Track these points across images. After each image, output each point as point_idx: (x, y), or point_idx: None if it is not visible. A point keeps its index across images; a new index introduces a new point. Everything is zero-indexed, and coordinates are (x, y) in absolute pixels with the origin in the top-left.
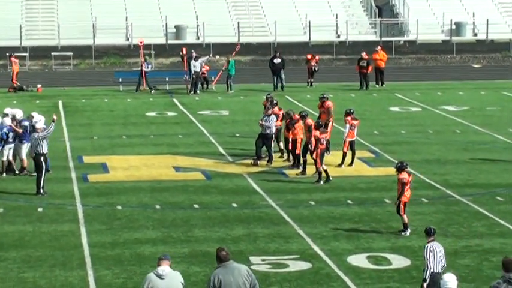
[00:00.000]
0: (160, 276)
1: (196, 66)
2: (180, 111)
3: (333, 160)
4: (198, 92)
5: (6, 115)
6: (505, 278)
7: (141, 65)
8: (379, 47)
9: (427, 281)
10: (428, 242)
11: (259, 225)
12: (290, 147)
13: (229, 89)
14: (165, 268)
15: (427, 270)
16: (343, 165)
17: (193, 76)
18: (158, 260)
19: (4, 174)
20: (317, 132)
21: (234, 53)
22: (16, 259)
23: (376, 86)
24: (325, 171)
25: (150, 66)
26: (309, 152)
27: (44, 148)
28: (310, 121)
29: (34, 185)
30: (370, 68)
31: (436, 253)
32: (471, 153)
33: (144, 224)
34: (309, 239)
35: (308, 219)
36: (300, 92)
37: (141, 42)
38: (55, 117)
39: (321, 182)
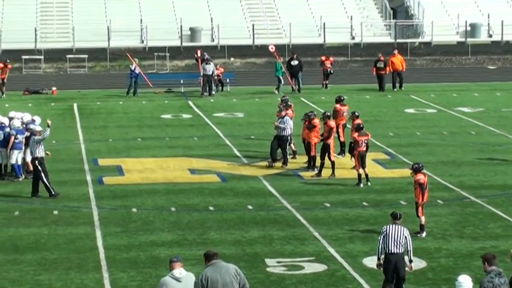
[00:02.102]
0: (177, 279)
1: (206, 69)
2: (195, 114)
3: (349, 162)
4: (213, 93)
5: (12, 118)
6: (494, 272)
7: (134, 68)
8: (396, 51)
9: (380, 259)
10: (392, 224)
11: (275, 228)
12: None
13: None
14: (181, 271)
15: (377, 250)
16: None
17: (202, 79)
18: (170, 262)
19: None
20: (355, 134)
21: (278, 56)
22: (32, 262)
23: (394, 89)
24: (366, 174)
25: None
26: (327, 154)
27: (39, 152)
28: (332, 123)
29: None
30: (387, 69)
31: (391, 235)
32: (486, 154)
33: (160, 226)
34: (324, 241)
35: (323, 221)
36: (315, 93)
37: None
38: (49, 122)
39: (361, 185)
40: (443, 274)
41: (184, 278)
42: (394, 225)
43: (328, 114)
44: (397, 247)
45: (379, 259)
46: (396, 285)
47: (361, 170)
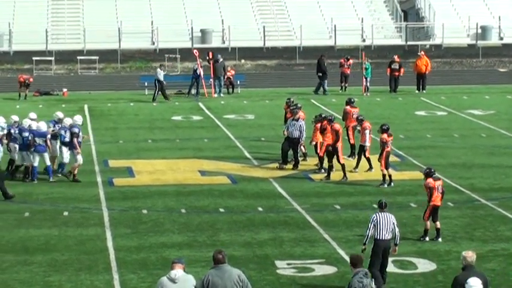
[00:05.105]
0: (173, 280)
1: (160, 74)
2: (206, 115)
3: (360, 165)
4: (169, 98)
5: (33, 119)
6: (362, 272)
7: (196, 69)
8: (422, 52)
9: (365, 244)
10: (380, 212)
11: (285, 229)
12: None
13: (367, 91)
14: (177, 272)
15: (365, 236)
16: (373, 169)
17: (212, 80)
18: (171, 263)
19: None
20: (384, 135)
21: (365, 58)
22: (42, 263)
23: (417, 91)
24: (389, 175)
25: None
26: (335, 157)
27: None
28: (337, 126)
29: (61, 189)
30: (402, 70)
31: (381, 222)
32: (497, 157)
33: (170, 228)
34: (334, 243)
35: (333, 223)
36: (327, 96)
37: (196, 52)
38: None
39: (385, 185)
40: (453, 276)
41: (180, 279)
42: (383, 213)
43: (331, 118)
44: (387, 234)
45: (365, 244)
46: (380, 270)
47: (385, 171)
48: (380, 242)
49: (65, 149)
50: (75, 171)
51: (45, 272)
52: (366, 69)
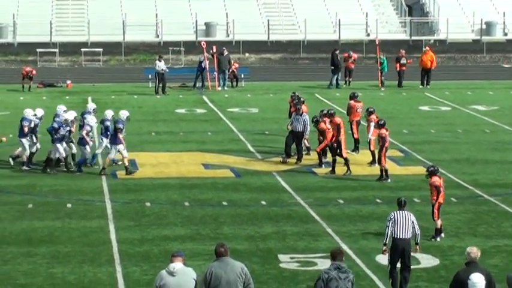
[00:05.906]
0: (171, 273)
1: (160, 66)
2: (210, 108)
3: (363, 159)
4: (166, 91)
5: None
6: (334, 265)
7: (202, 61)
8: (427, 48)
9: (386, 244)
10: (399, 210)
11: (288, 223)
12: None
13: (383, 84)
14: (176, 265)
15: (385, 235)
16: (376, 164)
17: (216, 73)
18: (171, 256)
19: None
20: (383, 130)
21: (380, 52)
22: (45, 255)
23: (421, 86)
24: (385, 170)
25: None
26: (338, 151)
27: None
28: (338, 119)
29: (64, 181)
30: (410, 61)
31: (399, 221)
32: (500, 152)
33: (173, 221)
34: (337, 237)
35: (337, 217)
36: (331, 90)
37: (203, 44)
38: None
39: (388, 180)
40: (456, 272)
41: (179, 272)
42: (401, 211)
43: (332, 112)
44: (404, 233)
45: (385, 245)
46: (401, 273)
47: (387, 166)
48: (398, 241)
49: (105, 140)
50: (106, 165)
51: (48, 264)
52: (382, 63)
